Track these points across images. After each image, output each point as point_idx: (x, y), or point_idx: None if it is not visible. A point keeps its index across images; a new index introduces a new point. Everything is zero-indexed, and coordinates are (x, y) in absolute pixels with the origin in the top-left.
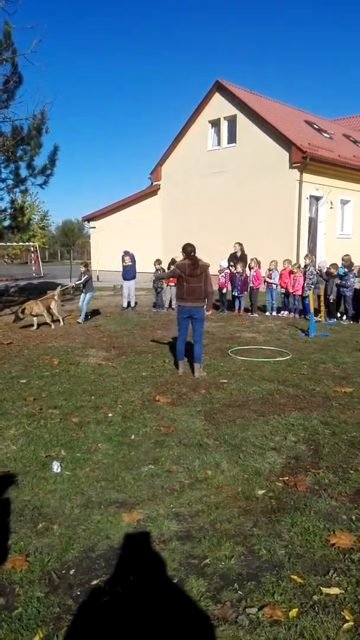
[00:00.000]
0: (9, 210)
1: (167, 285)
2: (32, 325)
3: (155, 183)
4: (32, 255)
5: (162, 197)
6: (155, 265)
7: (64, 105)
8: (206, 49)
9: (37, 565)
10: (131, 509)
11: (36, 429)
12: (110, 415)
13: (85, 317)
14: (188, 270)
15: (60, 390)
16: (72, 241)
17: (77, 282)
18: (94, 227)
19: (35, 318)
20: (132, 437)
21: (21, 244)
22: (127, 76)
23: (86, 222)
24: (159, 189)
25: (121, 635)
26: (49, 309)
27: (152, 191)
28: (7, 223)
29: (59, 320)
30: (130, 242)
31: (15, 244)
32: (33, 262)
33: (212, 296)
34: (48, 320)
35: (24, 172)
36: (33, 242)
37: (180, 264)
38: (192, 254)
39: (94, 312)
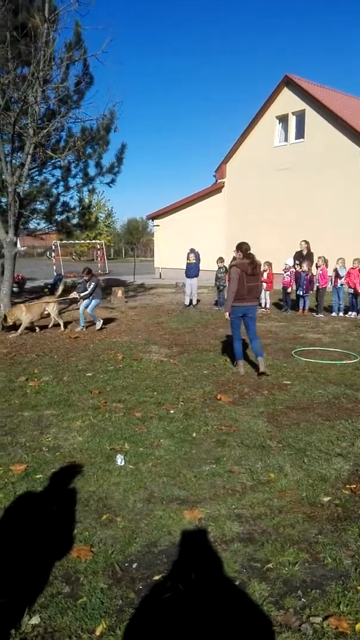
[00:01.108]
0: (78, 209)
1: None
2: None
3: (220, 181)
4: (98, 252)
5: (227, 195)
6: (217, 263)
7: (128, 103)
8: (274, 43)
9: (101, 556)
10: (193, 506)
11: (101, 421)
12: (172, 411)
13: (100, 326)
14: (250, 269)
15: (124, 385)
16: (136, 239)
17: (82, 294)
18: (158, 225)
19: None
20: (194, 434)
21: (88, 241)
22: (191, 73)
23: (150, 220)
24: (223, 186)
25: (182, 634)
26: (42, 314)
27: (216, 189)
28: (75, 221)
29: (59, 325)
30: (193, 240)
31: (82, 241)
32: (98, 259)
33: (260, 294)
34: (21, 330)
35: (92, 171)
36: (99, 240)
37: (241, 264)
38: (249, 252)
39: (108, 321)
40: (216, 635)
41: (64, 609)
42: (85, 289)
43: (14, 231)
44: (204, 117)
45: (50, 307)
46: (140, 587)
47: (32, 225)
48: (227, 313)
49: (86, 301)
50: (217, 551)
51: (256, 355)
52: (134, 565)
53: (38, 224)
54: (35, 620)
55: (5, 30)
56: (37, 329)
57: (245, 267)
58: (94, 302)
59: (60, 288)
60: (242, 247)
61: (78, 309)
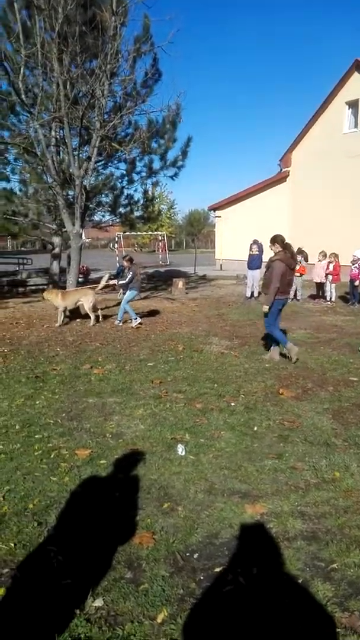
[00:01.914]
0: (142, 201)
1: (294, 276)
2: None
3: (285, 170)
4: (159, 244)
5: (292, 184)
6: None
7: (190, 92)
8: (343, 26)
9: (162, 544)
10: (254, 501)
11: (162, 411)
12: (232, 404)
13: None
14: (293, 264)
15: (184, 376)
16: (197, 230)
17: (120, 283)
18: (219, 217)
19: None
20: (255, 428)
21: (150, 233)
22: (255, 57)
23: (212, 211)
24: (288, 175)
25: (243, 628)
26: (76, 304)
27: (280, 178)
28: (138, 213)
29: (92, 317)
30: (255, 231)
31: (144, 233)
32: (160, 250)
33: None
34: (60, 317)
35: (156, 164)
36: (161, 232)
37: (286, 258)
38: (285, 242)
39: (152, 313)
40: (278, 633)
41: (126, 594)
42: (125, 278)
43: (80, 223)
44: (269, 105)
45: (85, 298)
46: (202, 578)
47: (97, 217)
48: (267, 307)
49: (128, 292)
50: (280, 547)
51: (275, 343)
52: (195, 556)
53: (103, 216)
54: (98, 602)
55: (75, 25)
56: (100, 318)
57: (290, 261)
58: (129, 293)
59: (102, 283)
60: (278, 239)
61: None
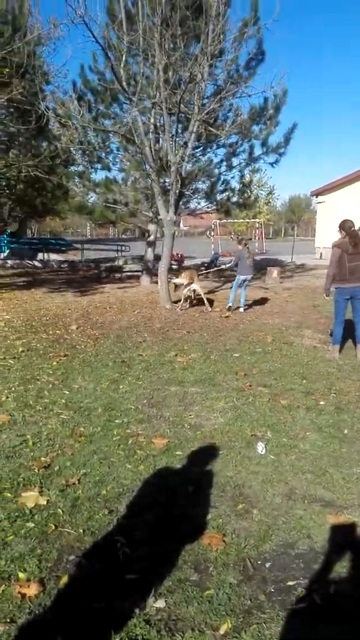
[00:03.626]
0: (238, 187)
1: None
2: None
3: None
4: (256, 231)
5: None
6: None
7: (294, 73)
8: None
9: (233, 548)
10: (338, 511)
11: (244, 404)
12: (322, 403)
13: (238, 306)
14: (350, 248)
15: (271, 369)
16: (297, 217)
17: (227, 265)
18: (322, 202)
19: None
20: (345, 431)
21: (247, 220)
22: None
23: (314, 197)
24: None
25: None
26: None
27: None
28: (234, 200)
29: (204, 302)
30: None
31: (241, 220)
32: (257, 238)
33: None
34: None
35: (257, 151)
36: (258, 219)
37: (341, 242)
38: (352, 229)
39: (259, 302)
40: None
41: (189, 598)
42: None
43: (174, 210)
44: None
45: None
46: (272, 590)
47: (192, 204)
48: (325, 294)
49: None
50: None
51: (356, 341)
52: (267, 565)
53: (199, 203)
54: (160, 603)
55: (178, 9)
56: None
57: (346, 245)
58: (240, 278)
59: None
60: (346, 225)
61: (230, 288)
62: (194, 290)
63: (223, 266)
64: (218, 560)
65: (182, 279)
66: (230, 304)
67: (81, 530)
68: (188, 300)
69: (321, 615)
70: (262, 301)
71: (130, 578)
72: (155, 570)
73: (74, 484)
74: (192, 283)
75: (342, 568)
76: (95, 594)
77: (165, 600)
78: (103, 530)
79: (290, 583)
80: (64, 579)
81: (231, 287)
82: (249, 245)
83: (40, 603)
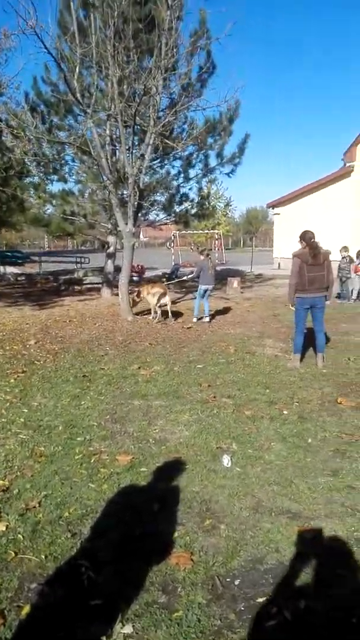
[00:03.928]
0: (197, 199)
1: (357, 275)
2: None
3: (349, 164)
4: (216, 242)
5: (357, 180)
6: (341, 252)
7: (248, 84)
8: None
9: (201, 566)
10: (305, 523)
11: (209, 416)
12: (285, 412)
13: (200, 316)
14: (310, 259)
15: (235, 380)
16: (255, 228)
17: (189, 276)
18: (278, 214)
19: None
20: (309, 440)
21: (206, 231)
22: (315, 46)
23: (270, 208)
24: (353, 170)
25: None
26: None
27: (344, 173)
28: (193, 211)
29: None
30: (316, 229)
31: (200, 232)
32: (216, 249)
33: (333, 285)
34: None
35: (213, 162)
36: (217, 230)
37: (301, 252)
38: (313, 240)
39: (221, 312)
40: None
41: (158, 621)
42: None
43: (133, 222)
44: (333, 95)
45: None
46: (242, 609)
47: (151, 216)
48: (290, 304)
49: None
50: (334, 579)
51: (316, 350)
52: (236, 582)
53: (157, 214)
54: (127, 629)
55: (130, 22)
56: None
57: (306, 256)
58: (202, 288)
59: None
60: (306, 236)
61: (194, 298)
62: (165, 303)
63: (185, 277)
64: (186, 580)
65: (155, 291)
66: (196, 317)
67: (43, 556)
68: (159, 312)
69: (292, 632)
70: (224, 311)
71: (96, 604)
72: (121, 593)
73: (34, 507)
74: (165, 294)
75: (310, 580)
76: (58, 623)
77: (133, 626)
78: (66, 554)
79: (261, 599)
80: (26, 609)
81: (194, 299)
82: (211, 256)
83: (0, 637)
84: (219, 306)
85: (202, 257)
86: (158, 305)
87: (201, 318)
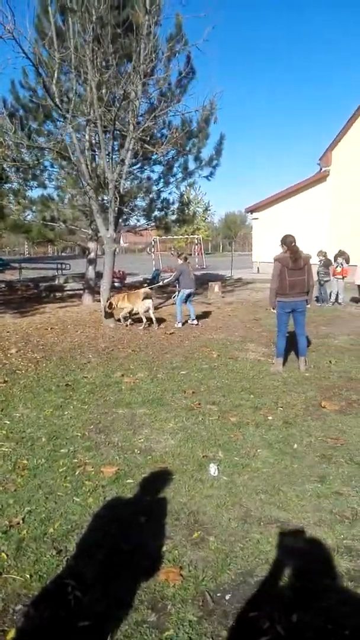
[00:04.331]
0: (177, 204)
1: (335, 278)
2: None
3: (325, 169)
4: (196, 247)
5: (332, 184)
6: (318, 256)
7: (226, 90)
8: None
9: (191, 582)
10: (294, 531)
11: (194, 424)
12: (270, 418)
13: (184, 320)
14: (290, 263)
15: (219, 386)
16: (234, 233)
17: (166, 280)
18: (257, 218)
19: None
20: (295, 446)
21: (186, 237)
22: (292, 50)
23: (249, 213)
24: (329, 175)
25: None
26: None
27: (320, 178)
28: (173, 217)
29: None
30: (293, 233)
31: (180, 237)
32: (196, 253)
33: (314, 289)
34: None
35: (191, 165)
36: (197, 235)
37: (282, 257)
38: (293, 245)
39: (203, 317)
40: None
41: None
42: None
43: (114, 227)
44: (308, 101)
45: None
46: (234, 624)
47: (132, 222)
48: (272, 307)
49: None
50: (324, 590)
51: (298, 353)
52: (227, 597)
53: (138, 220)
54: None
55: (108, 27)
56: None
57: (287, 260)
58: (182, 293)
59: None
60: (287, 240)
61: (174, 303)
62: (148, 307)
63: (162, 282)
64: (176, 596)
65: (140, 298)
66: (180, 322)
67: (28, 575)
68: (145, 317)
69: None
70: (206, 316)
71: (84, 625)
72: (109, 613)
73: (18, 523)
74: (149, 298)
75: (302, 593)
76: None
77: None
78: (52, 573)
79: (252, 614)
80: (11, 634)
81: (175, 304)
82: (189, 260)
83: None
84: (201, 311)
85: (180, 261)
86: (144, 312)
87: (186, 322)
